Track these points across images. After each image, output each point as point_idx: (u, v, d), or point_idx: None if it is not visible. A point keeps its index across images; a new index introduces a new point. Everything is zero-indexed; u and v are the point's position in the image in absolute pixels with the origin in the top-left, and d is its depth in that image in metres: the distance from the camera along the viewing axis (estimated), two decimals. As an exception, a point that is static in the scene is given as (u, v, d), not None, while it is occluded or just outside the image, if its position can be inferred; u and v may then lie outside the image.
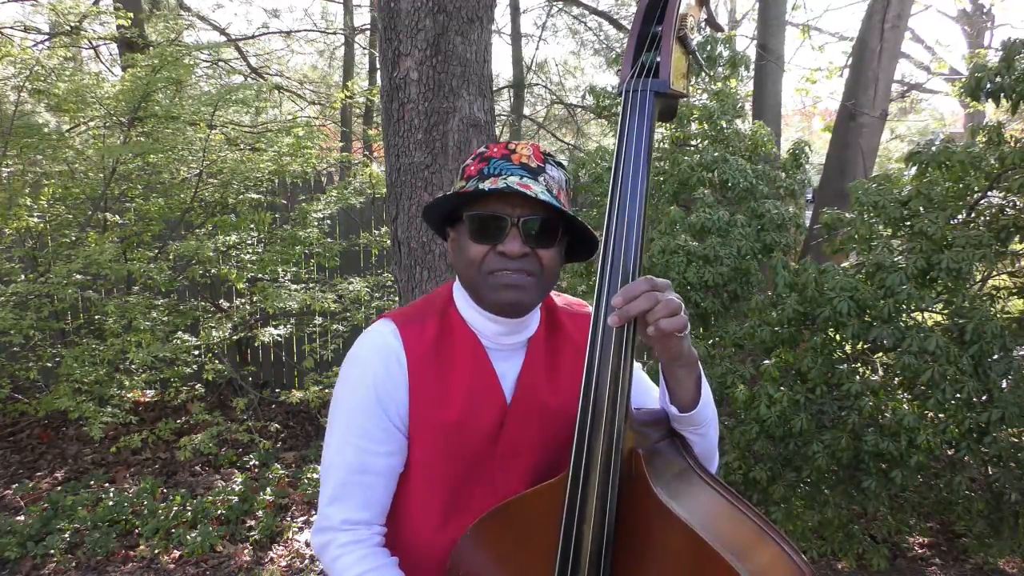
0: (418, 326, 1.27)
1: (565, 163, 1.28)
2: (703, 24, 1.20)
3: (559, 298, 1.39)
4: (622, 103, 1.09)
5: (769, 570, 1.02)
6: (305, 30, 14.46)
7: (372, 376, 1.23)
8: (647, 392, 1.35)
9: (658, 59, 1.08)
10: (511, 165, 1.20)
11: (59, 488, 4.39)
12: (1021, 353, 3.05)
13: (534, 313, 1.31)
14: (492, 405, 1.26)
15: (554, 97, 13.89)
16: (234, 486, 4.35)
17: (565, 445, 1.26)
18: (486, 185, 1.16)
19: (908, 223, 3.22)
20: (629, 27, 1.22)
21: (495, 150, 1.23)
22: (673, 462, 1.14)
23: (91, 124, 6.15)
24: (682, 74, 1.13)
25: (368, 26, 12.53)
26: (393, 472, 1.27)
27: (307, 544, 3.82)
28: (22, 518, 4.02)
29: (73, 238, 5.16)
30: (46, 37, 9.22)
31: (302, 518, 4.11)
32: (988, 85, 3.07)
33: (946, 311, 3.14)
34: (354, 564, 1.22)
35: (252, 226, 5.49)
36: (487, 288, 1.20)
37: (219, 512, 4.04)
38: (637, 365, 1.35)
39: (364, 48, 12.85)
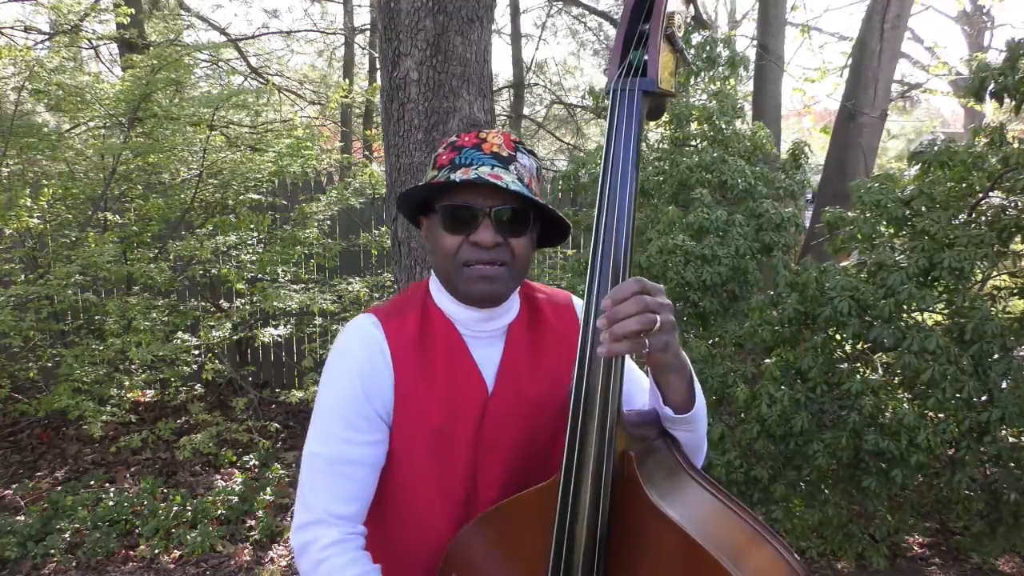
0: (399, 319, 1.27)
1: (536, 151, 1.29)
2: (690, 22, 1.19)
3: (540, 289, 1.39)
4: (610, 103, 1.08)
5: (763, 571, 1.01)
6: (305, 30, 14.46)
7: (357, 367, 1.23)
8: (636, 382, 1.34)
9: (646, 58, 1.07)
10: (482, 154, 1.20)
11: (59, 488, 4.39)
12: (1021, 353, 3.05)
13: (512, 299, 1.31)
14: (474, 392, 1.26)
15: (554, 97, 13.90)
16: (234, 486, 4.35)
17: (549, 432, 1.26)
18: (457, 176, 1.16)
19: (910, 222, 3.22)
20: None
21: (466, 139, 1.23)
22: (665, 463, 1.13)
23: (91, 124, 6.15)
24: (670, 72, 1.12)
25: (368, 26, 12.54)
26: (376, 463, 1.25)
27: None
28: (22, 518, 4.02)
29: (73, 238, 5.16)
30: (46, 37, 9.21)
31: (302, 518, 4.10)
32: (991, 85, 3.07)
33: (947, 311, 3.14)
34: (339, 569, 1.17)
35: (252, 227, 5.49)
36: (461, 280, 1.21)
37: (219, 512, 4.04)
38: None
39: (364, 48, 12.85)
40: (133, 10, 7.10)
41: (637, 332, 0.97)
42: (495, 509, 1.18)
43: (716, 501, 1.08)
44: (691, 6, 1.19)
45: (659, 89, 1.07)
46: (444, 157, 1.23)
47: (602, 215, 1.05)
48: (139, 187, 5.57)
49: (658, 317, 0.98)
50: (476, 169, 1.17)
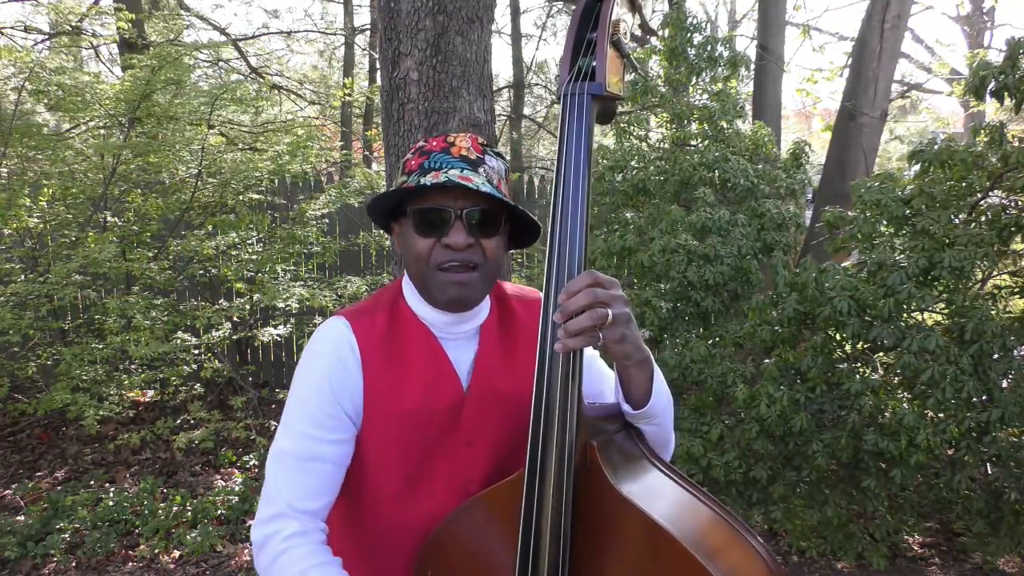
0: (368, 319, 1.29)
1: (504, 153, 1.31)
2: (638, 30, 1.23)
3: (510, 287, 1.41)
4: (561, 106, 1.13)
5: (724, 550, 1.04)
6: (305, 31, 14.48)
7: (326, 367, 1.24)
8: (604, 380, 1.36)
9: (594, 64, 1.12)
10: (451, 158, 1.21)
11: (59, 488, 4.39)
12: (1021, 353, 3.05)
13: (483, 300, 1.33)
14: (449, 392, 1.27)
15: (554, 97, 13.87)
16: (234, 486, 4.35)
17: (524, 429, 1.29)
18: (428, 180, 1.18)
19: (910, 221, 3.22)
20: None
21: (434, 143, 1.25)
22: (628, 452, 1.17)
23: (91, 124, 6.15)
24: (618, 77, 1.17)
25: (368, 26, 12.54)
26: (341, 462, 1.27)
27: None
28: (22, 518, 4.02)
29: (73, 238, 5.16)
30: (46, 37, 9.22)
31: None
32: (992, 84, 3.07)
33: (947, 310, 3.14)
34: (299, 560, 1.17)
35: (252, 226, 5.49)
36: (434, 285, 1.22)
37: (219, 512, 4.04)
38: (595, 353, 1.37)
39: (364, 48, 12.86)
40: (133, 15, 7.09)
41: (591, 327, 1.00)
42: (467, 504, 1.21)
43: (678, 487, 1.12)
44: (637, 15, 1.24)
45: (607, 92, 1.12)
46: (413, 162, 1.24)
47: (557, 211, 1.09)
48: (138, 188, 5.57)
49: (609, 311, 1.01)
50: (446, 172, 1.19)
